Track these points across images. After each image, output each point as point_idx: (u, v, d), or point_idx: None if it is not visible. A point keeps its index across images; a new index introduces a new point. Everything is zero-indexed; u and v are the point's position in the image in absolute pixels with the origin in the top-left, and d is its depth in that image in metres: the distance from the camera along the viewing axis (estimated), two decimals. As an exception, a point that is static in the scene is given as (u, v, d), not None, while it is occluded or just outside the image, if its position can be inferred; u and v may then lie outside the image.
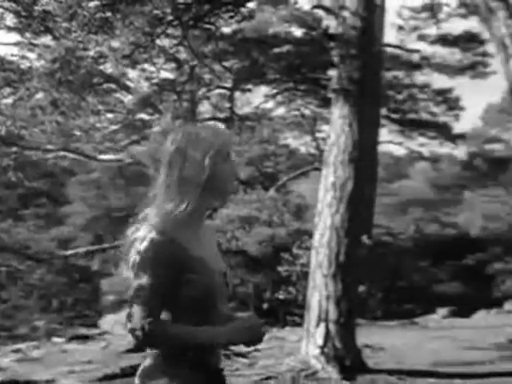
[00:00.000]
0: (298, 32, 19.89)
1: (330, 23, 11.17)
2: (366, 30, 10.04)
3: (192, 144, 2.43)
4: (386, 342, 12.34)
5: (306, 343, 9.38)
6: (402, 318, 16.38)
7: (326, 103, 17.81)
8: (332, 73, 10.92)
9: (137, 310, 2.28)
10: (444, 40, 21.71)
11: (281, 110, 28.14)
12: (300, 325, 11.00)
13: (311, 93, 22.02)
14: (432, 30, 21.60)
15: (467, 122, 30.22)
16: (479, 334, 14.13)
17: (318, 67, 18.06)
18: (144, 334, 2.27)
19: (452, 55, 22.39)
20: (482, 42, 21.66)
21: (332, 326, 9.21)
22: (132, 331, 2.29)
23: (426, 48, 22.70)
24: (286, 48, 18.04)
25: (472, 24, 21.38)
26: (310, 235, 10.79)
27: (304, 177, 28.69)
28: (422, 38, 22.30)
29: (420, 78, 23.98)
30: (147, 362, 2.41)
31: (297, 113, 28.82)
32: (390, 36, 23.98)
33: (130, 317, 2.30)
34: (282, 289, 17.68)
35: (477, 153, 38.73)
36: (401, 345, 12.12)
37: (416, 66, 23.11)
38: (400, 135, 24.41)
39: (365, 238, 14.81)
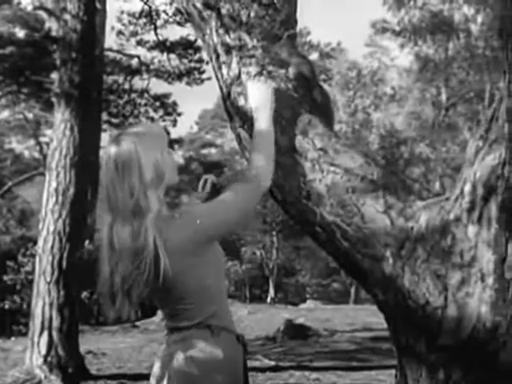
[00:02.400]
0: (21, 33, 19.33)
1: (52, 25, 10.99)
2: (87, 34, 9.99)
3: (142, 147, 2.42)
4: (108, 347, 12.41)
5: (31, 353, 9.15)
6: (124, 322, 16.47)
7: (49, 107, 17.44)
8: (55, 76, 10.74)
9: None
10: (162, 46, 22.18)
11: (5, 114, 27.18)
12: (26, 334, 10.69)
13: (35, 96, 21.44)
14: (150, 36, 22.06)
15: (184, 127, 31.33)
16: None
17: (41, 70, 17.68)
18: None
19: (169, 61, 22.97)
20: (197, 49, 22.46)
21: (55, 334, 9.07)
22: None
23: (144, 53, 23.09)
24: (9, 49, 17.43)
25: (189, 31, 22.20)
26: (35, 242, 10.54)
27: (29, 182, 27.85)
28: (140, 43, 22.69)
29: (139, 82, 24.34)
30: (192, 339, 2.49)
31: (21, 116, 27.96)
32: (110, 40, 24.14)
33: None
34: (8, 298, 17.04)
35: (193, 157, 40.15)
36: (122, 349, 12.24)
37: (135, 71, 23.38)
38: (121, 140, 24.48)
39: (87, 243, 14.73)
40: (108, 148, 2.48)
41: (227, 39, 2.97)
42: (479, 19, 28.09)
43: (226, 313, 2.62)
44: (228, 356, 2.53)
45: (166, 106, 25.47)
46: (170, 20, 19.84)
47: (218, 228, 2.50)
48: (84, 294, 14.98)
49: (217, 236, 2.55)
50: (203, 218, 2.44)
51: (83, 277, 9.98)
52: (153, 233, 2.38)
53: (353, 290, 33.79)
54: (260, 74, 2.90)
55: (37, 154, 33.81)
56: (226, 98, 3.03)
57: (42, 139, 30.95)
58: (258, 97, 2.80)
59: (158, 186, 2.45)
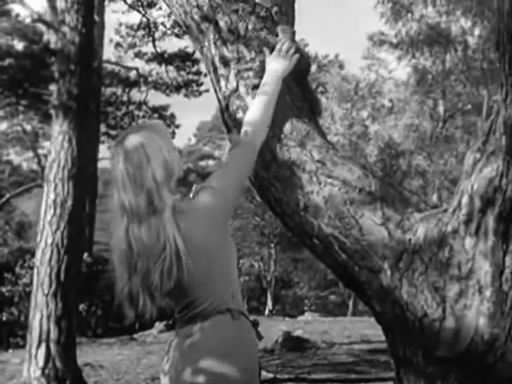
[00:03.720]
0: (19, 46, 19.41)
1: (51, 38, 11.00)
2: (86, 46, 10.01)
3: (151, 151, 2.45)
4: (105, 359, 12.36)
5: (28, 365, 9.12)
6: (121, 334, 16.43)
7: (47, 119, 17.48)
8: (53, 88, 10.77)
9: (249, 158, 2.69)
10: (160, 58, 22.25)
11: (3, 126, 27.24)
12: (23, 347, 10.66)
13: (33, 108, 21.51)
14: (149, 48, 22.17)
15: (182, 139, 31.51)
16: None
17: (39, 82, 17.73)
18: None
19: (167, 73, 23.03)
20: (195, 61, 22.54)
21: (53, 346, 9.04)
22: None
23: (143, 65, 23.18)
24: (7, 62, 17.48)
25: (187, 43, 22.33)
26: (33, 254, 10.50)
27: (27, 194, 27.84)
28: (139, 55, 22.77)
29: (137, 94, 24.42)
30: (208, 331, 2.48)
31: (19, 128, 28.01)
32: (108, 52, 24.40)
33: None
34: (5, 310, 17.01)
35: (191, 169, 40.13)
36: (120, 361, 12.19)
37: (133, 83, 23.44)
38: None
39: (86, 256, 14.73)
40: (116, 156, 2.48)
41: (225, 52, 2.98)
42: (476, 32, 28.17)
43: (240, 299, 2.64)
44: (247, 339, 2.57)
45: (164, 118, 25.53)
46: (168, 32, 19.96)
47: (232, 190, 2.58)
48: (81, 306, 14.96)
49: (233, 197, 2.62)
50: (215, 187, 2.53)
51: (82, 288, 9.96)
52: (172, 228, 2.40)
53: (351, 302, 33.71)
54: (258, 86, 2.91)
55: (35, 166, 33.84)
56: (224, 110, 3.04)
57: (40, 151, 31.00)
58: (280, 64, 2.87)
59: (169, 182, 2.49)
